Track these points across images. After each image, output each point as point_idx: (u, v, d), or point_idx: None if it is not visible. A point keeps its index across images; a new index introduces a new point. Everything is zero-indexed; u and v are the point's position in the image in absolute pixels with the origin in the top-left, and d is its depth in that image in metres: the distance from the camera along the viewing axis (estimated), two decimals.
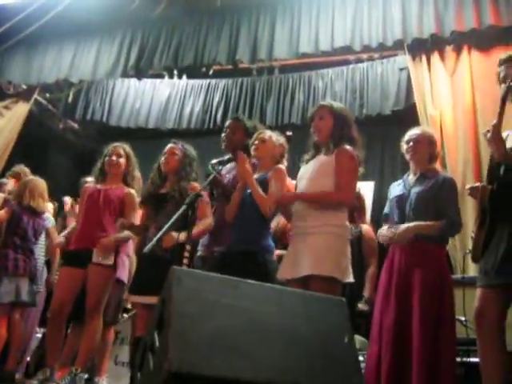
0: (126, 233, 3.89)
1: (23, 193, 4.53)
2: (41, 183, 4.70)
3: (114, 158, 4.09)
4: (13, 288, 4.16)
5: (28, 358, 5.24)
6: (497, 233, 2.77)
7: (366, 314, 4.07)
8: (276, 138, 3.66)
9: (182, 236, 3.19)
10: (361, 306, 4.09)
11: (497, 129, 2.74)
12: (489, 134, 2.77)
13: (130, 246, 4.36)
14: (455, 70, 5.21)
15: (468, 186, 3.02)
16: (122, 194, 4.04)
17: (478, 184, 2.96)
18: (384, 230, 3.49)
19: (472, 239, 2.95)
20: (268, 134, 3.66)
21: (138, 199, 4.01)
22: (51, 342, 3.86)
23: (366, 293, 4.15)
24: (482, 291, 2.79)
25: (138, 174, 4.17)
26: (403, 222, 3.42)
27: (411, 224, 3.30)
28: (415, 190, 3.44)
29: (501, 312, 2.77)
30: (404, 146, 3.61)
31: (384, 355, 3.24)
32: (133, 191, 4.07)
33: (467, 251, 4.03)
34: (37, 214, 4.57)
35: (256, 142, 3.61)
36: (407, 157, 3.58)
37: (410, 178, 3.56)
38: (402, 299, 3.30)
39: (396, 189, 3.61)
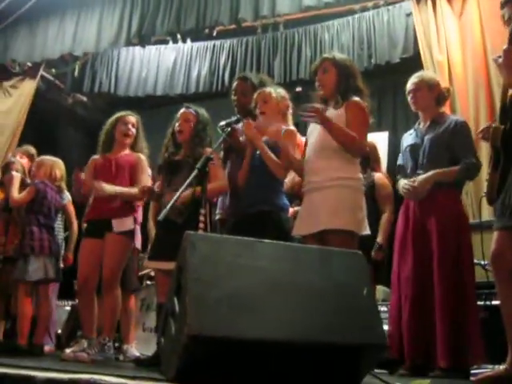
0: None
1: (51, 173, 4.54)
2: (62, 164, 4.73)
3: (128, 126, 4.07)
4: (41, 266, 4.21)
5: (59, 331, 5.38)
6: (511, 173, 2.70)
7: (380, 263, 4.08)
8: (275, 91, 3.56)
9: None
10: (374, 254, 4.06)
11: (509, 53, 2.57)
12: (500, 59, 2.62)
13: (140, 213, 4.36)
14: (462, 11, 5.07)
15: (479, 130, 2.94)
16: (132, 160, 4.01)
17: (488, 125, 2.87)
18: (403, 182, 3.46)
19: (487, 181, 2.88)
20: (267, 91, 3.57)
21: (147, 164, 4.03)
22: (84, 314, 3.88)
23: (379, 239, 4.12)
24: (498, 234, 2.71)
25: (145, 143, 4.16)
26: (416, 171, 3.39)
27: (429, 173, 3.27)
28: (428, 136, 3.40)
29: None
30: (408, 97, 3.56)
31: (404, 305, 3.25)
32: (142, 156, 4.06)
33: (483, 194, 3.99)
34: (59, 192, 4.61)
35: (258, 104, 3.52)
36: (412, 108, 3.54)
37: (422, 126, 3.52)
38: (420, 247, 3.29)
39: (408, 138, 3.57)
